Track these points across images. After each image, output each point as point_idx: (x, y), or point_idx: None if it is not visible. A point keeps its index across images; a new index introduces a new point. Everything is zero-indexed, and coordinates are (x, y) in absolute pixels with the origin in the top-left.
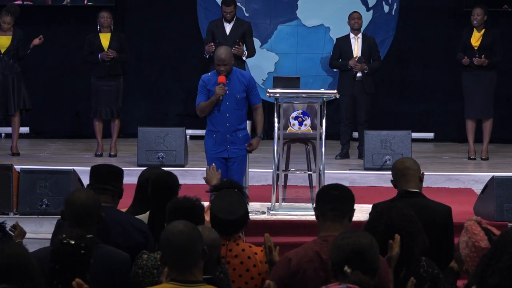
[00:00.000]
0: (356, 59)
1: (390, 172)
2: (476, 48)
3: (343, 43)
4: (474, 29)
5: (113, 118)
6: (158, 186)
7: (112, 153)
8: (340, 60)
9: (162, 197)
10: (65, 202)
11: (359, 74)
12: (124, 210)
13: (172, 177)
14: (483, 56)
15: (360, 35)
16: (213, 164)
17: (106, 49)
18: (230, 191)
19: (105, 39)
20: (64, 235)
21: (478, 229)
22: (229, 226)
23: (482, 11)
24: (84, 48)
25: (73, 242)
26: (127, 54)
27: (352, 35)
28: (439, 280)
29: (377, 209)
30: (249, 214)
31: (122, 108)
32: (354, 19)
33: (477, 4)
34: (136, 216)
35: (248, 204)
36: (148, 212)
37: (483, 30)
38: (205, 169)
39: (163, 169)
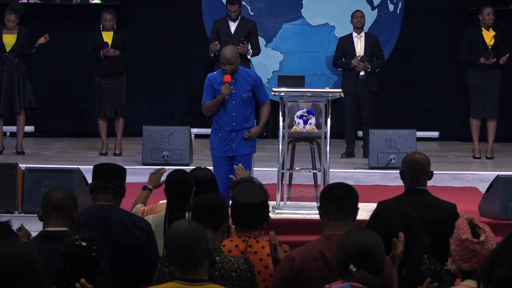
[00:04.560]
0: (358, 58)
1: (395, 170)
2: (490, 47)
3: (346, 42)
4: (482, 28)
5: (117, 117)
6: (174, 184)
7: (117, 152)
8: (343, 59)
9: (179, 195)
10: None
11: (362, 73)
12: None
13: (187, 175)
14: (507, 54)
15: (363, 33)
16: (240, 164)
17: (109, 47)
18: (250, 181)
19: (108, 37)
20: (76, 236)
21: (463, 224)
22: (249, 212)
23: (492, 10)
24: (87, 46)
25: (84, 244)
26: (131, 52)
27: (354, 34)
28: (441, 277)
29: (377, 212)
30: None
31: (127, 107)
32: (356, 18)
33: (486, 3)
34: (152, 216)
35: (268, 196)
36: (163, 212)
37: (492, 29)
38: (211, 168)
39: (197, 168)
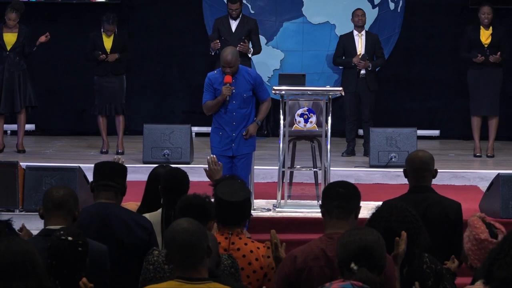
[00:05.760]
0: (359, 57)
1: (396, 169)
2: (486, 45)
3: (347, 41)
4: (481, 26)
5: (118, 115)
6: (171, 182)
7: (119, 151)
8: (343, 58)
9: (175, 193)
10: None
11: (362, 72)
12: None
13: (183, 173)
14: (498, 53)
15: (363, 32)
16: (213, 155)
17: (108, 50)
18: (233, 180)
19: (108, 41)
20: (62, 232)
21: (479, 223)
22: (233, 210)
23: (491, 10)
24: (87, 46)
25: (70, 239)
26: (130, 52)
27: (355, 32)
28: (442, 276)
29: (378, 210)
30: (255, 211)
31: (128, 105)
32: (357, 16)
33: (485, 2)
34: (148, 214)
35: (251, 194)
36: (159, 210)
37: (491, 28)
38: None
39: (172, 166)
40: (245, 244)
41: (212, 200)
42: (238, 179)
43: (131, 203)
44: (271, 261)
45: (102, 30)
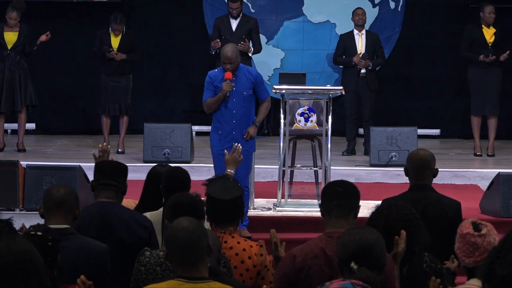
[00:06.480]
0: (360, 56)
1: (396, 168)
2: (490, 44)
3: (347, 40)
4: (483, 26)
5: (122, 115)
6: (172, 181)
7: (120, 150)
8: (344, 57)
9: (177, 192)
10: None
11: (363, 71)
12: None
13: (184, 172)
14: (507, 51)
15: (364, 31)
16: (239, 145)
17: (115, 49)
18: (225, 178)
19: (115, 40)
20: (31, 228)
21: (465, 222)
22: (224, 209)
23: (494, 9)
24: (95, 43)
25: (40, 234)
26: (138, 53)
27: (356, 32)
28: (442, 275)
29: (377, 208)
30: (255, 211)
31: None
32: (358, 15)
33: (487, 1)
34: (149, 213)
35: (247, 194)
36: (160, 209)
37: (492, 27)
38: (211, 165)
39: (172, 165)
40: (238, 242)
41: (203, 199)
42: (231, 178)
43: (129, 200)
44: (264, 259)
45: (110, 29)
